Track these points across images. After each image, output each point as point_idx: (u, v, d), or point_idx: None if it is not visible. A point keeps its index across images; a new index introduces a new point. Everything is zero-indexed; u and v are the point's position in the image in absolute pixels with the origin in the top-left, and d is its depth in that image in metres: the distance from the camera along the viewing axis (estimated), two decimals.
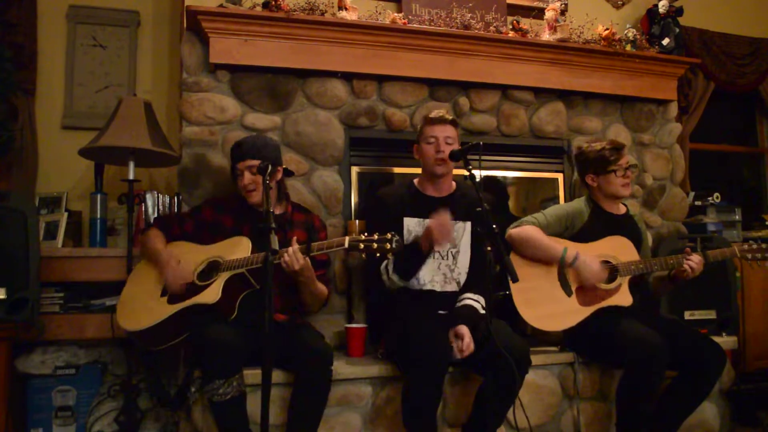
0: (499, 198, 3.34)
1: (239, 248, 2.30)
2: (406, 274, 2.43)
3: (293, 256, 2.18)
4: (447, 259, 2.53)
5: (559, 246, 2.61)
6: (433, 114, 2.54)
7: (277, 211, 2.46)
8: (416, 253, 2.35)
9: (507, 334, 2.32)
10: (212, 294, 2.21)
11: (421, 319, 2.34)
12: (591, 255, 2.61)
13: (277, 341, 2.18)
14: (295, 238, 2.25)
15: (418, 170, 2.70)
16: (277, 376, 2.26)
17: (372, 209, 2.58)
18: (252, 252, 2.27)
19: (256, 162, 2.36)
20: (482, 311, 2.41)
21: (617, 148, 2.73)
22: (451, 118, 2.54)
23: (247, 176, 2.38)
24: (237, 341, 2.10)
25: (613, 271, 2.64)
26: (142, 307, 2.32)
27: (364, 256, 2.15)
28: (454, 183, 2.63)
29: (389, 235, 2.11)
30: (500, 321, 2.43)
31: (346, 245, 2.15)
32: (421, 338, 2.21)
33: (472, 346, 2.24)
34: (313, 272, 2.31)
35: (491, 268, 2.14)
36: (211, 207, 2.50)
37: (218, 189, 2.77)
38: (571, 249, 2.60)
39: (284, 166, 2.53)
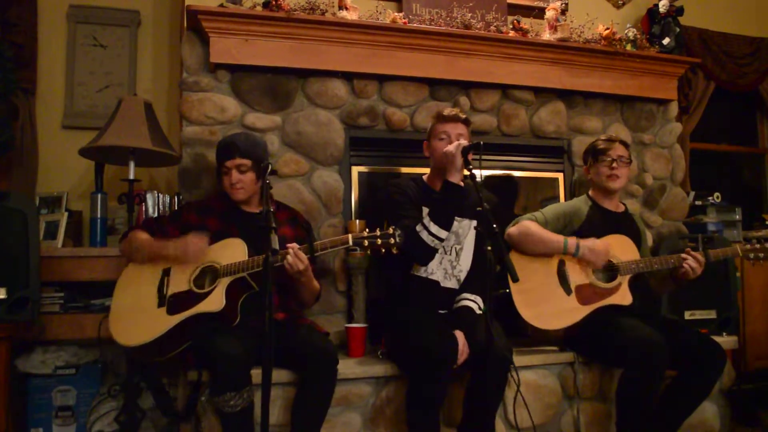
0: (507, 198, 3.34)
1: (234, 251, 2.27)
2: (447, 223, 2.38)
3: (296, 257, 2.17)
4: (450, 254, 2.53)
5: (559, 238, 2.62)
6: (446, 111, 2.55)
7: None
8: (449, 189, 2.36)
9: (497, 336, 2.31)
10: (216, 302, 2.18)
11: (424, 319, 2.35)
12: (591, 239, 2.62)
13: (279, 340, 2.18)
14: (295, 245, 2.22)
15: (419, 170, 2.70)
16: (281, 375, 2.26)
17: (393, 193, 2.54)
18: (248, 254, 2.25)
19: (245, 161, 2.36)
20: (478, 311, 2.42)
21: (608, 140, 2.81)
22: (464, 116, 2.56)
23: (235, 175, 2.37)
24: (246, 351, 2.07)
25: (613, 270, 2.64)
26: (139, 320, 2.24)
27: (369, 252, 2.15)
28: (461, 182, 2.63)
29: (391, 230, 2.13)
30: (498, 325, 2.42)
31: (350, 243, 2.16)
32: (426, 338, 2.21)
33: (466, 352, 2.25)
34: (311, 271, 2.31)
35: (492, 268, 2.13)
36: (195, 211, 2.44)
37: (218, 188, 2.77)
38: (570, 240, 2.61)
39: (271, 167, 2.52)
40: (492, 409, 2.32)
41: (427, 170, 2.67)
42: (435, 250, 2.41)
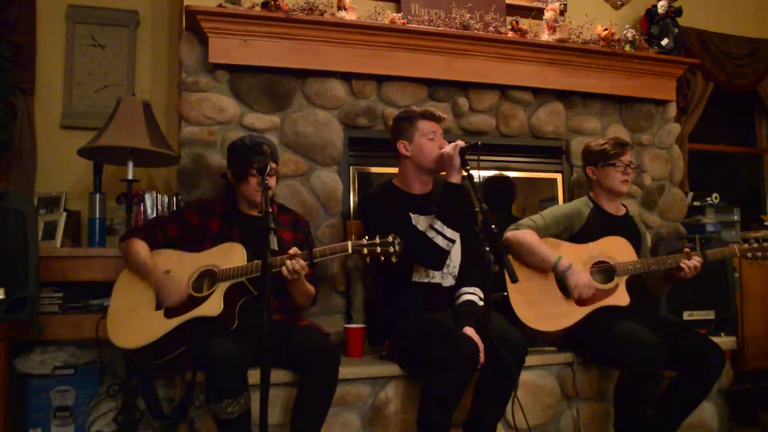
0: (501, 198, 3.34)
1: (233, 255, 2.25)
2: (457, 224, 2.38)
3: (295, 264, 2.15)
4: None
5: (553, 254, 2.60)
6: (433, 109, 2.54)
7: None
8: (451, 190, 2.35)
9: (503, 326, 2.32)
10: (214, 307, 2.17)
11: (439, 324, 2.31)
12: (583, 267, 2.61)
13: (279, 341, 2.17)
14: (295, 250, 2.21)
15: None
16: (280, 375, 2.26)
17: (371, 208, 2.54)
18: (247, 258, 2.23)
19: (274, 164, 2.39)
20: (480, 303, 2.41)
21: (621, 144, 2.79)
22: (445, 115, 2.57)
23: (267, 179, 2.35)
24: (243, 356, 2.06)
25: (610, 271, 2.64)
26: (137, 323, 2.24)
27: (368, 260, 2.13)
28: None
29: (391, 238, 2.10)
30: (497, 313, 2.41)
31: (350, 250, 2.13)
32: (452, 341, 2.18)
33: (482, 346, 2.21)
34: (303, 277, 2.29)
35: (490, 268, 2.13)
36: (196, 211, 2.43)
37: (217, 189, 2.76)
38: (564, 258, 2.59)
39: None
40: (502, 404, 2.30)
41: None
42: (448, 253, 2.41)
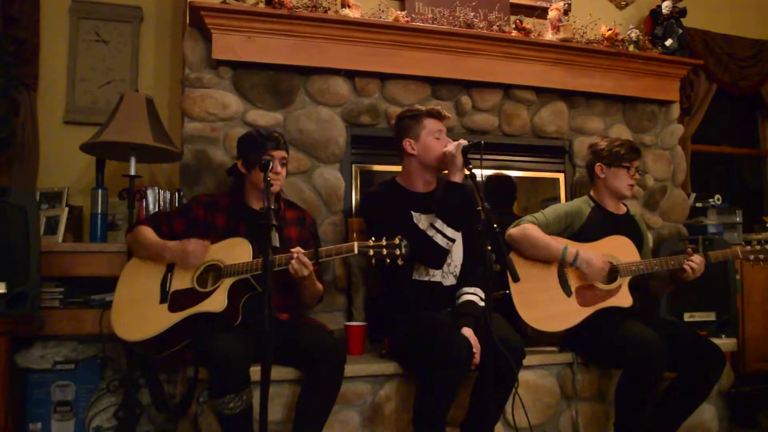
0: (503, 197, 3.35)
1: (239, 251, 2.26)
2: (458, 224, 2.40)
3: (301, 263, 2.16)
4: None
5: (559, 245, 2.61)
6: (438, 108, 2.53)
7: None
8: (453, 189, 2.36)
9: (502, 327, 2.32)
10: (218, 302, 2.17)
11: (436, 323, 2.32)
12: (592, 252, 2.61)
13: (283, 339, 2.18)
14: (300, 250, 2.21)
15: None
16: (282, 372, 2.26)
17: (372, 206, 2.55)
18: (253, 254, 2.23)
19: (286, 154, 2.42)
20: (481, 303, 2.41)
21: (636, 150, 2.78)
22: (449, 114, 2.58)
23: (277, 166, 2.37)
24: (246, 352, 2.06)
25: (613, 272, 2.64)
26: (141, 315, 2.25)
27: (373, 262, 2.14)
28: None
29: (397, 240, 2.11)
30: (497, 315, 2.41)
31: (356, 251, 2.14)
32: (447, 339, 2.18)
33: (478, 347, 2.22)
34: (314, 274, 2.30)
35: (491, 268, 2.12)
36: (203, 206, 2.43)
37: (219, 185, 2.77)
38: (571, 247, 2.60)
39: None
40: (500, 406, 2.31)
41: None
42: (448, 252, 2.41)
